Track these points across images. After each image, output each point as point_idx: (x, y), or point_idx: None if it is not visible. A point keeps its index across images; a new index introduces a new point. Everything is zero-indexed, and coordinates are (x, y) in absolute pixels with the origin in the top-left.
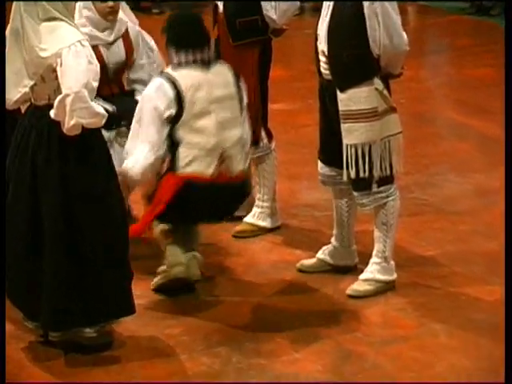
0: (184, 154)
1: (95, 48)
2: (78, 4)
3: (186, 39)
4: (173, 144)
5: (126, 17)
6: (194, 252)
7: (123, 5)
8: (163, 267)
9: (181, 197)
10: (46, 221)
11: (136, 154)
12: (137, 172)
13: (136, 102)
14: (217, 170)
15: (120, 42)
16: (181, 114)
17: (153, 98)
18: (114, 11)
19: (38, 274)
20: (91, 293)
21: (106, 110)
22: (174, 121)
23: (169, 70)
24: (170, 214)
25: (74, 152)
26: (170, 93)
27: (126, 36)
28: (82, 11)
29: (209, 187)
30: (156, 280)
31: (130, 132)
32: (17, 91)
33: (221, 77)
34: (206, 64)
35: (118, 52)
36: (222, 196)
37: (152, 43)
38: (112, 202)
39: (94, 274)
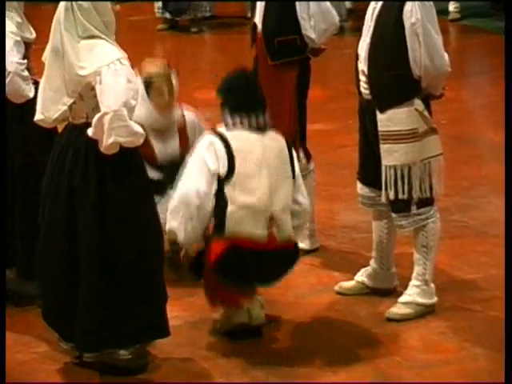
0: (233, 213)
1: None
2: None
3: (241, 103)
4: (219, 204)
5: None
6: (254, 296)
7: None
8: (224, 313)
9: (229, 260)
10: (82, 242)
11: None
12: (183, 236)
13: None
14: (266, 233)
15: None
16: (231, 175)
17: (203, 155)
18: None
19: (73, 294)
20: (125, 314)
21: (153, 180)
22: (222, 180)
23: (222, 129)
24: (218, 276)
25: (110, 171)
26: (222, 151)
27: (182, 129)
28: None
29: (258, 253)
30: (218, 326)
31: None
32: (56, 109)
33: (274, 142)
34: (260, 128)
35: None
36: (271, 262)
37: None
38: (148, 223)
39: (129, 296)
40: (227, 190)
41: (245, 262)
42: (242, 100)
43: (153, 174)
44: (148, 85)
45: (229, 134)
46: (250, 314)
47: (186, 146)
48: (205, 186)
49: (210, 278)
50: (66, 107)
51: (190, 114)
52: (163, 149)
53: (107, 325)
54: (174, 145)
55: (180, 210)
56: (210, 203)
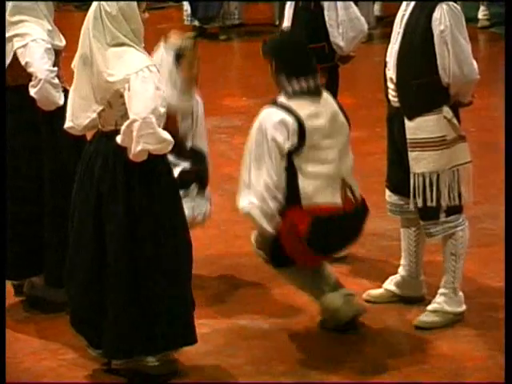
0: (306, 184)
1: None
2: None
3: (299, 67)
4: (289, 177)
5: None
6: (341, 289)
7: None
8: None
9: (314, 233)
10: (110, 249)
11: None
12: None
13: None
14: (343, 198)
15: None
16: (301, 148)
17: (274, 135)
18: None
19: (102, 302)
20: (153, 322)
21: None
22: (291, 153)
23: (282, 99)
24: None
25: (139, 179)
26: (293, 127)
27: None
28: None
29: (340, 217)
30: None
31: (244, 164)
32: (85, 116)
33: (330, 105)
34: (317, 92)
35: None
36: (351, 223)
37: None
38: (176, 231)
39: (156, 303)
40: (297, 161)
41: (331, 230)
42: (299, 63)
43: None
44: (179, 57)
45: (294, 104)
46: (348, 309)
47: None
48: (276, 173)
49: (291, 245)
50: (95, 114)
51: (198, 98)
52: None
53: (135, 332)
54: (187, 125)
55: (256, 204)
56: (282, 184)
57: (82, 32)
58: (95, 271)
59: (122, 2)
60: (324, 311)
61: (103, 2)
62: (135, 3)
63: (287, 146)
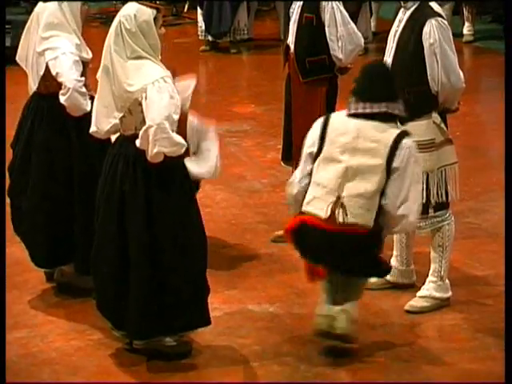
0: (310, 190)
1: None
2: None
3: (359, 90)
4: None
5: None
6: (345, 306)
7: None
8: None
9: (297, 236)
10: (131, 241)
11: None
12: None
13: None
14: (329, 212)
15: None
16: (318, 154)
17: (307, 136)
18: None
19: (124, 288)
20: (171, 306)
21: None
22: (315, 158)
23: (340, 112)
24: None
25: (157, 178)
26: (317, 132)
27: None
28: None
29: (319, 231)
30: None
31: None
32: (107, 122)
33: (375, 132)
34: (368, 116)
35: None
36: (331, 243)
37: None
38: (191, 223)
39: (175, 290)
40: (314, 168)
41: (307, 238)
42: (362, 86)
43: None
44: None
45: (336, 115)
46: (333, 323)
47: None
48: (301, 173)
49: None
50: (116, 120)
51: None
52: None
53: (155, 316)
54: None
55: (287, 193)
56: (303, 185)
57: (104, 47)
58: (118, 263)
59: (141, 20)
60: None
61: (123, 20)
62: (152, 21)
63: (310, 149)
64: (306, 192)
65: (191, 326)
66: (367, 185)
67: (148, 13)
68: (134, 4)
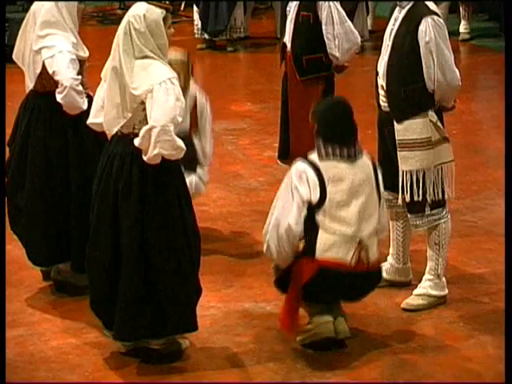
0: (323, 238)
1: None
2: None
3: (336, 135)
4: (309, 228)
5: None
6: (339, 311)
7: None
8: (310, 326)
9: (317, 282)
10: (124, 241)
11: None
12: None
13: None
14: (355, 258)
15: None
16: (322, 202)
17: (296, 184)
18: None
19: (115, 287)
20: (159, 308)
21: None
22: (313, 207)
23: (314, 157)
24: (305, 295)
25: (152, 179)
26: (314, 180)
27: (193, 108)
28: None
29: (346, 275)
30: (302, 337)
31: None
32: (117, 123)
33: (363, 169)
34: (351, 158)
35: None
36: (357, 283)
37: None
38: (184, 225)
39: (163, 292)
40: (318, 216)
41: (333, 283)
42: (337, 132)
43: None
44: None
45: (321, 164)
46: (335, 328)
47: (194, 125)
48: (296, 218)
49: (292, 295)
50: (125, 120)
51: (200, 97)
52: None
53: (140, 317)
54: (185, 122)
55: (274, 240)
56: (300, 231)
57: (113, 47)
58: (110, 259)
59: (150, 20)
60: (309, 324)
61: (132, 20)
62: (161, 21)
63: (308, 198)
64: (299, 238)
65: (178, 329)
66: (374, 219)
67: (157, 12)
68: (143, 4)
